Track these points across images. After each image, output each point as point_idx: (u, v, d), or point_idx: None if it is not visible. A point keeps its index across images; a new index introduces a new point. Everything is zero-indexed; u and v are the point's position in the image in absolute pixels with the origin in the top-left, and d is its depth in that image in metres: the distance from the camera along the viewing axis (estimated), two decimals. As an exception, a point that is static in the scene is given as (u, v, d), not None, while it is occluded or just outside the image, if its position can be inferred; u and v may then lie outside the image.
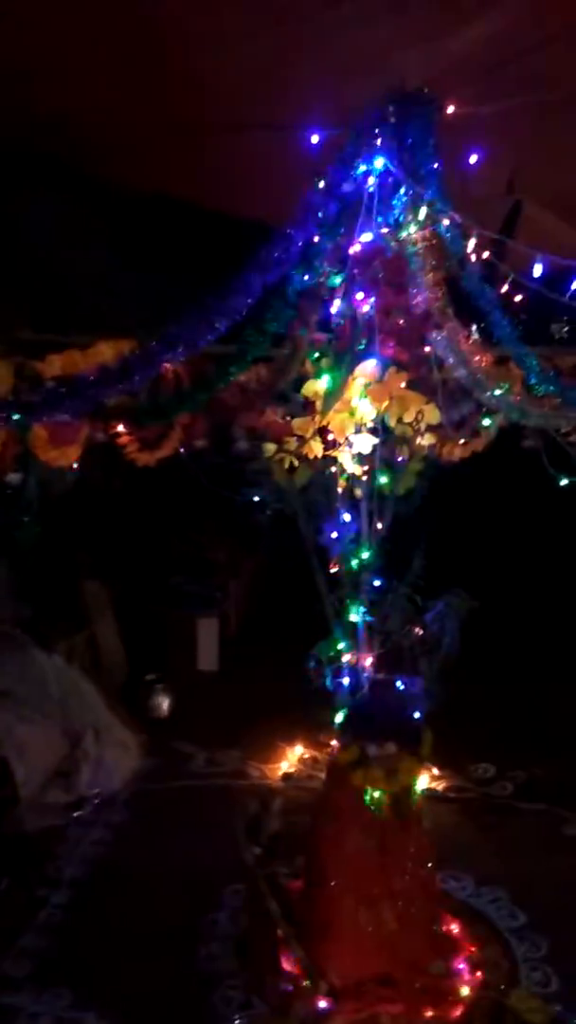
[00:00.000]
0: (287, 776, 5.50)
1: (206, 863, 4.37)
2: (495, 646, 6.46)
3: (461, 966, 3.75)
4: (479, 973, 3.73)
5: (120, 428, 3.33)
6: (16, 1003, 3.59)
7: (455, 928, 3.95)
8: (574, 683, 6.55)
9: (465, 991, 3.62)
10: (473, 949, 3.87)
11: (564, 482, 3.73)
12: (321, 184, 2.77)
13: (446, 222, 2.62)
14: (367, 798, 3.57)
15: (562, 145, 3.42)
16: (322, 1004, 3.51)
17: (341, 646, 3.75)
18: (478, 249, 2.65)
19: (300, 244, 2.72)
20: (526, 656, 6.98)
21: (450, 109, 2.61)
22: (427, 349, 2.99)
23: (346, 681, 3.76)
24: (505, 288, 2.62)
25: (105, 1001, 3.57)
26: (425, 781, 5.21)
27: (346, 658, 3.76)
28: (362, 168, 2.73)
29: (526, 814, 5.05)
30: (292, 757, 5.69)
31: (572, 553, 7.46)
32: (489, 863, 4.53)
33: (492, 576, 6.21)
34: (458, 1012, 3.53)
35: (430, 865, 3.78)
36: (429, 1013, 3.51)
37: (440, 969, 3.67)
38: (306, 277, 2.89)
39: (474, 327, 2.76)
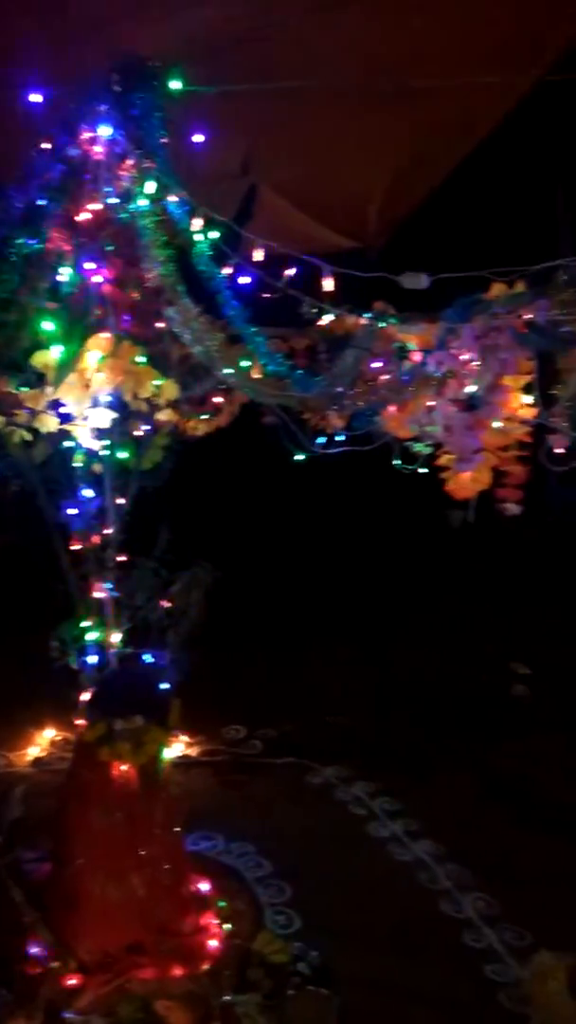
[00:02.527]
0: (37, 760, 5.34)
1: (-54, 860, 4.13)
2: (241, 614, 6.72)
3: (209, 922, 3.91)
4: (227, 925, 3.91)
5: None
6: None
7: (204, 886, 4.09)
8: (316, 644, 7.02)
9: (213, 945, 3.78)
10: (222, 904, 4.04)
11: (299, 457, 3.94)
12: (45, 146, 2.65)
13: (173, 198, 2.63)
14: (113, 772, 3.58)
15: (292, 133, 3.55)
16: (71, 981, 3.50)
17: (86, 624, 3.70)
18: (205, 229, 2.69)
19: (21, 206, 2.58)
20: (270, 621, 7.33)
21: (176, 84, 2.61)
22: (162, 324, 3.00)
23: (93, 659, 3.73)
24: (230, 271, 2.69)
25: None
26: (179, 749, 5.35)
27: (92, 636, 3.71)
28: (88, 134, 2.65)
29: (275, 768, 5.35)
30: (43, 741, 5.53)
31: (309, 525, 7.98)
32: (239, 819, 4.75)
33: (236, 547, 6.44)
34: (207, 965, 3.69)
35: (178, 830, 3.89)
36: (179, 972, 3.63)
37: (187, 929, 3.78)
38: (32, 241, 2.76)
39: (203, 307, 2.80)
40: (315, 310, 3.33)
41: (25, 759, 5.35)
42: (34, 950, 3.57)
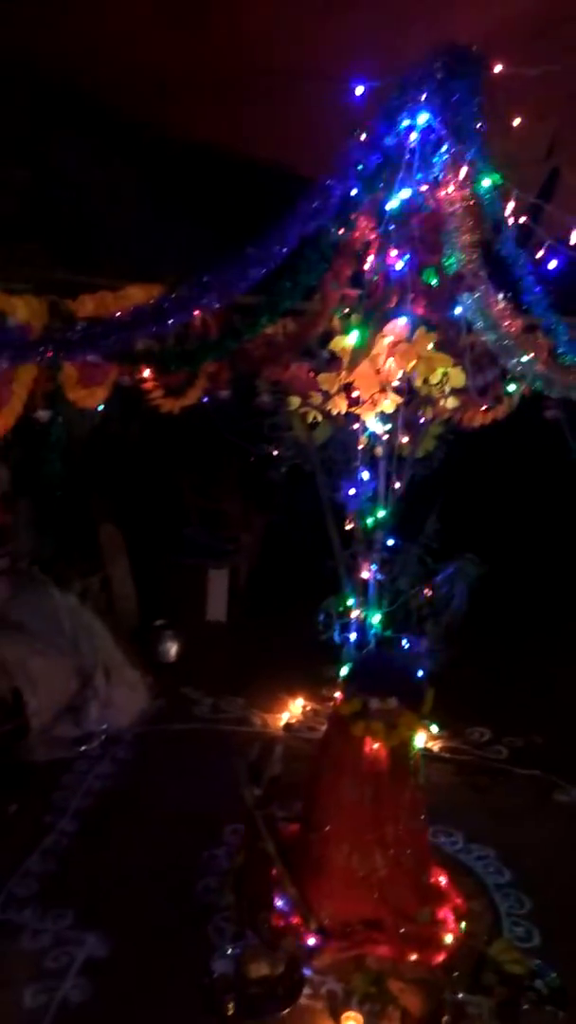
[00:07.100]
0: (288, 726, 5.63)
1: (207, 802, 4.51)
2: (503, 612, 6.54)
3: (446, 915, 3.88)
4: (463, 923, 3.86)
5: (147, 373, 3.37)
6: (21, 920, 3.77)
7: (443, 880, 4.07)
8: (577, 656, 6.64)
9: (449, 939, 3.75)
10: (459, 901, 3.99)
11: (582, 454, 3.74)
12: (363, 136, 2.76)
13: (486, 183, 2.61)
14: (366, 749, 3.67)
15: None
16: (311, 940, 3.66)
17: (351, 602, 3.83)
18: (515, 213, 2.64)
19: (338, 196, 2.71)
20: (532, 624, 7.05)
21: (497, 69, 2.58)
22: (457, 311, 2.99)
23: (353, 636, 3.84)
24: (540, 254, 2.61)
25: (105, 923, 3.74)
26: (423, 739, 5.34)
27: (355, 614, 3.83)
28: (405, 122, 2.71)
29: (519, 778, 5.16)
30: (294, 709, 5.82)
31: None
32: (480, 822, 4.65)
33: (504, 543, 6.25)
34: (440, 958, 3.67)
35: (422, 818, 3.90)
36: (413, 957, 3.65)
37: (426, 917, 3.79)
38: (341, 231, 2.89)
39: (503, 294, 2.75)
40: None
41: (278, 723, 5.66)
42: (280, 903, 3.79)
